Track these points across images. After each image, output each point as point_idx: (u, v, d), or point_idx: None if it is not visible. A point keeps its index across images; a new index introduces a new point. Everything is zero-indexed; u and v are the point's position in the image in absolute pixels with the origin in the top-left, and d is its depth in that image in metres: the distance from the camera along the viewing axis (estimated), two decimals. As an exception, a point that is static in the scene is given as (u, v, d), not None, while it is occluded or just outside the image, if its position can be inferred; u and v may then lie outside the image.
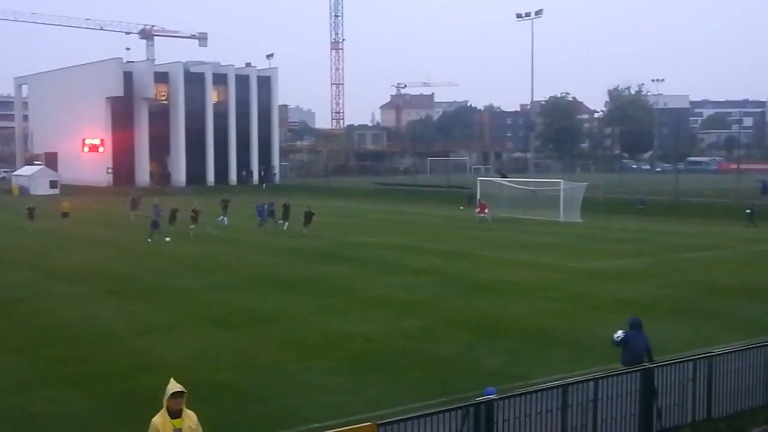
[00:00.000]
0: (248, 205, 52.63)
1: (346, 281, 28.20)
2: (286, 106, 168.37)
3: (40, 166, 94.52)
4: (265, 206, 48.04)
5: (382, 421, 9.92)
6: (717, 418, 13.23)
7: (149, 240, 39.81)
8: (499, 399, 10.84)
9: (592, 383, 11.85)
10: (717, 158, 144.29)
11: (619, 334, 14.27)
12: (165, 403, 9.18)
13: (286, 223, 44.79)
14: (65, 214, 48.52)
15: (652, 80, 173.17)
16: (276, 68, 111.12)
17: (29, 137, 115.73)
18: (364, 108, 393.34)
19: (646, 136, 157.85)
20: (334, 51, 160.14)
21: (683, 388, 12.80)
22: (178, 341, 19.45)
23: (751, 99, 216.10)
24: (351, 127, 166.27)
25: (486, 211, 52.15)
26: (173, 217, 43.29)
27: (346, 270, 30.70)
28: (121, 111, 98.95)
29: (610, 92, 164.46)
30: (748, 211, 48.28)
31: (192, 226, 42.42)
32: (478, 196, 55.33)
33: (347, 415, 13.32)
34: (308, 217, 43.05)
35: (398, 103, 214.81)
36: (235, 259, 34.19)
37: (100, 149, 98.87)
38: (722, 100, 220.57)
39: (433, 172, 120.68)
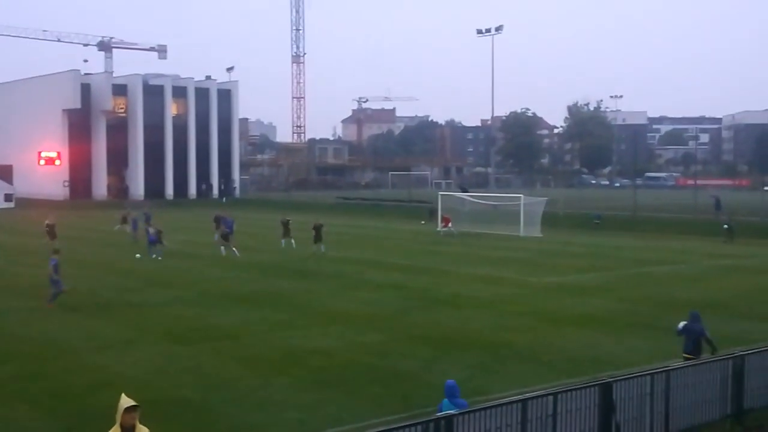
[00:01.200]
0: (206, 219, 52.12)
1: (306, 296, 28.06)
2: (247, 119, 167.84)
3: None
4: (223, 220, 44.88)
5: (342, 438, 9.83)
6: (675, 431, 13.32)
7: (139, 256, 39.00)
8: (458, 414, 10.82)
9: (551, 398, 11.87)
10: (674, 174, 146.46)
11: (681, 324, 15.94)
12: (118, 419, 9.03)
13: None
14: (50, 229, 43.67)
15: (611, 96, 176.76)
16: (236, 81, 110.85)
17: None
18: (325, 122, 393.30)
19: (605, 151, 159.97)
20: (295, 64, 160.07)
21: (641, 402, 12.88)
22: (135, 357, 19.17)
23: (707, 116, 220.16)
24: (312, 141, 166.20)
25: (450, 224, 52.30)
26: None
27: (306, 284, 30.55)
28: (79, 123, 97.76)
29: (569, 108, 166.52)
30: (725, 226, 48.64)
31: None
32: (440, 211, 55.48)
33: (307, 432, 13.21)
34: (318, 231, 40.72)
35: (360, 117, 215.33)
36: (193, 273, 33.86)
37: (57, 162, 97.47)
38: (679, 116, 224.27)
39: (395, 187, 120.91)
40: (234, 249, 39.39)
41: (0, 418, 14.59)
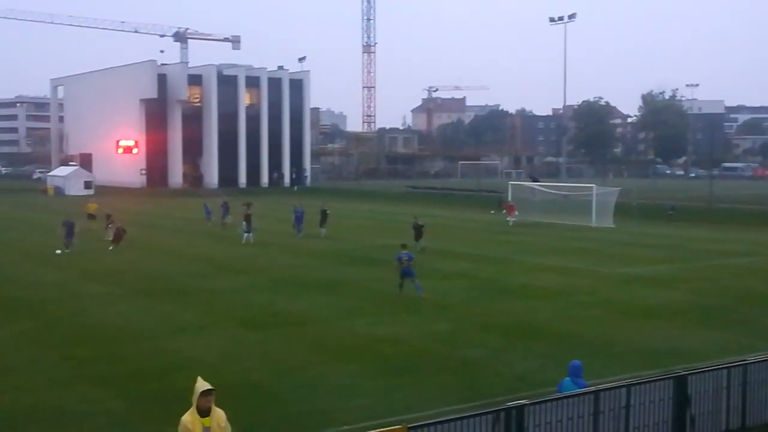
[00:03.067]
0: (279, 208, 52.67)
1: (375, 284, 28.17)
2: (318, 108, 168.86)
3: (75, 167, 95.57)
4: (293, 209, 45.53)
5: (413, 424, 9.86)
6: (751, 426, 13.02)
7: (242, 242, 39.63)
8: (531, 404, 10.75)
9: (624, 390, 11.70)
10: (752, 164, 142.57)
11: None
12: (195, 402, 9.21)
13: (324, 230, 43.22)
14: (91, 216, 48.49)
15: (687, 85, 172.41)
16: (308, 71, 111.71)
17: (64, 138, 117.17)
18: (395, 111, 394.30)
19: (680, 141, 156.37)
20: (365, 54, 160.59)
21: (717, 396, 12.61)
22: (208, 342, 19.53)
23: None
24: (382, 130, 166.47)
25: (515, 213, 51.81)
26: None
27: (376, 273, 30.65)
28: (155, 113, 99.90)
29: (643, 97, 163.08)
30: None
31: None
32: (510, 200, 55.01)
33: (376, 418, 13.28)
34: (324, 216, 42.69)
35: (430, 106, 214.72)
36: (265, 260, 34.28)
37: (134, 150, 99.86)
38: (758, 105, 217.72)
39: (464, 176, 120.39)
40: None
41: (79, 399, 15.03)
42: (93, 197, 76.74)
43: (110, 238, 38.12)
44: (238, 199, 56.73)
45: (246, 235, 39.76)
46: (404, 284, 25.10)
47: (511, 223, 50.56)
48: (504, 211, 52.68)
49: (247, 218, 40.25)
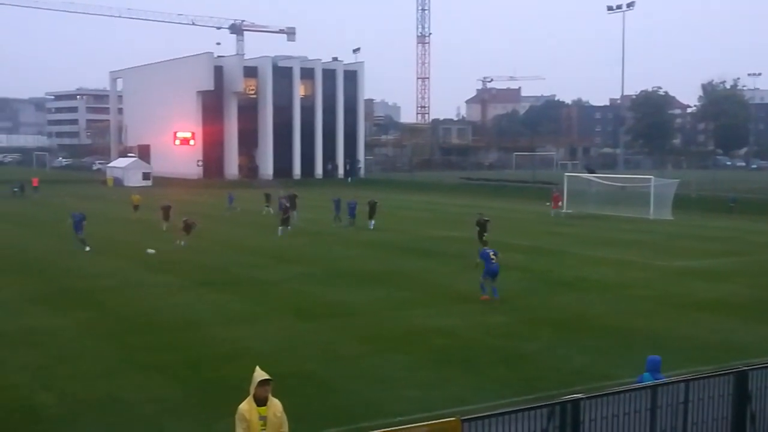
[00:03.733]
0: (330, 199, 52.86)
1: (428, 275, 28.10)
2: (372, 100, 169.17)
3: (134, 158, 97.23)
4: (345, 202, 45.95)
5: (466, 417, 9.77)
6: (814, 425, 12.64)
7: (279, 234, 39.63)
8: (586, 398, 10.58)
9: (683, 385, 11.45)
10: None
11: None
12: (252, 391, 9.26)
13: (372, 222, 43.21)
14: (136, 207, 49.55)
15: (749, 74, 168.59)
16: (362, 62, 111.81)
17: (123, 130, 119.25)
18: (449, 102, 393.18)
19: (742, 131, 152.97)
20: (420, 45, 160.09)
21: (779, 392, 12.26)
22: (262, 331, 19.68)
23: None
24: (436, 121, 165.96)
25: (560, 204, 51.05)
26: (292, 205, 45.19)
27: (429, 264, 30.59)
28: (212, 105, 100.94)
29: (704, 86, 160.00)
30: None
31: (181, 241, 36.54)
32: (565, 192, 54.32)
33: (428, 410, 13.22)
34: (372, 207, 42.72)
35: (484, 97, 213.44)
36: (317, 251, 34.43)
37: (191, 142, 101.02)
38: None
39: (519, 168, 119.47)
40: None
41: (134, 387, 15.24)
42: (152, 188, 78.11)
43: (167, 228, 38.60)
44: (291, 190, 57.11)
45: (281, 228, 39.68)
46: (486, 285, 23.16)
47: (553, 215, 49.72)
48: (548, 203, 51.78)
49: (285, 210, 40.93)
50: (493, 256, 23.12)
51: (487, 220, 34.89)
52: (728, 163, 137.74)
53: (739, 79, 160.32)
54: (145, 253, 32.84)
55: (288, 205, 43.12)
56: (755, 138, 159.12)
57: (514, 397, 14.04)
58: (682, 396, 11.33)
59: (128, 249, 34.95)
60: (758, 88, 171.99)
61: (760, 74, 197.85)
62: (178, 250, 34.27)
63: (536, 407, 10.28)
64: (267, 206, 52.30)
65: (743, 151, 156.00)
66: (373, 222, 42.97)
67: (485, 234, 34.32)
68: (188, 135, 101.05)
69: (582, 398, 10.56)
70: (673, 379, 11.72)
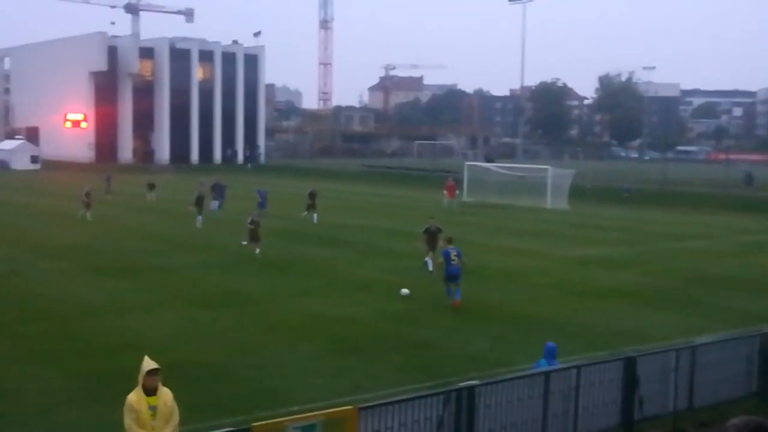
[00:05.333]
0: (233, 186, 52.21)
1: (330, 263, 28.08)
2: (273, 85, 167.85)
3: (21, 141, 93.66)
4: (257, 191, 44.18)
5: (364, 405, 9.81)
6: (698, 407, 13.20)
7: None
8: (482, 385, 10.76)
9: (574, 371, 11.78)
10: (706, 148, 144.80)
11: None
12: (141, 381, 9.11)
13: (315, 215, 40.12)
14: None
15: (644, 68, 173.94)
16: (263, 46, 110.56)
17: (10, 111, 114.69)
18: (351, 89, 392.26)
19: (636, 124, 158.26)
20: (322, 30, 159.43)
21: (665, 377, 12.76)
22: (159, 320, 19.29)
23: (741, 89, 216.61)
24: (338, 108, 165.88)
25: (455, 193, 50.40)
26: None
27: (331, 252, 30.56)
28: (105, 86, 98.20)
29: (600, 79, 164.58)
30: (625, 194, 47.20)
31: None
32: (465, 182, 54.99)
33: (328, 398, 13.20)
34: (312, 199, 40.31)
35: (387, 84, 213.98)
36: (218, 239, 33.96)
37: (83, 125, 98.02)
38: (713, 89, 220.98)
39: (421, 156, 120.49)
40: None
41: (28, 377, 14.74)
42: (40, 172, 75.45)
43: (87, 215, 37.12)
44: (191, 176, 56.17)
45: (199, 218, 37.68)
46: (451, 287, 21.39)
47: (446, 204, 49.33)
48: (445, 191, 51.11)
49: (199, 201, 38.48)
50: (454, 257, 21.31)
51: (439, 230, 27.08)
52: (623, 154, 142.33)
53: (634, 72, 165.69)
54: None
55: (202, 195, 39.64)
56: (649, 130, 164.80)
57: (412, 383, 14.15)
58: (573, 381, 11.65)
59: (18, 234, 33.71)
60: (652, 82, 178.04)
61: (654, 68, 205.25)
62: (73, 236, 33.24)
63: (432, 394, 10.42)
64: (151, 192, 50.28)
65: (637, 142, 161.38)
66: (315, 215, 39.98)
67: (436, 247, 26.27)
68: (80, 117, 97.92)
69: (477, 385, 10.75)
70: (565, 365, 12.04)
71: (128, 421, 9.02)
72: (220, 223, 38.53)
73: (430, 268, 23.80)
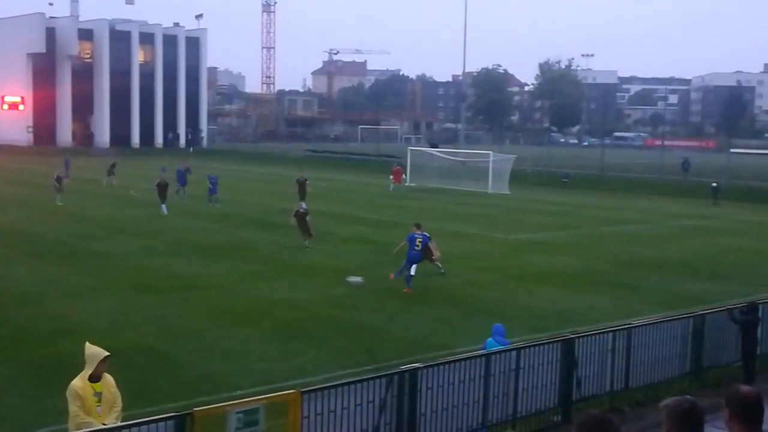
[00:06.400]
0: (173, 169, 51.58)
1: (273, 248, 28.02)
2: (216, 68, 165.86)
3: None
4: (183, 171, 44.56)
5: (306, 389, 9.89)
6: (634, 387, 13.56)
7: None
8: (424, 367, 10.92)
9: (514, 353, 12.02)
10: (642, 134, 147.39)
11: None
12: (92, 368, 8.99)
13: (303, 204, 35.72)
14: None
15: (582, 55, 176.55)
16: (205, 29, 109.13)
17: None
18: (295, 73, 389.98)
19: (575, 110, 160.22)
20: (265, 14, 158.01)
21: (602, 358, 13.08)
22: (100, 306, 19.08)
23: (677, 77, 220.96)
24: (282, 92, 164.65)
25: (401, 178, 51.39)
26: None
27: (274, 237, 30.48)
28: (43, 68, 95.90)
29: (540, 66, 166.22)
30: (714, 184, 48.39)
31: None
32: (408, 167, 55.18)
33: (272, 382, 13.27)
34: (302, 187, 38.91)
35: (330, 69, 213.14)
36: (160, 223, 33.62)
37: (21, 107, 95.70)
38: (649, 77, 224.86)
39: (364, 141, 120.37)
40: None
41: (-38, 364, 14.49)
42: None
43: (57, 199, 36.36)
44: (130, 160, 55.38)
45: (163, 206, 36.07)
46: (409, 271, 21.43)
47: (392, 189, 50.12)
48: (391, 176, 51.94)
49: (161, 188, 36.68)
50: (419, 243, 21.59)
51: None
52: (562, 140, 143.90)
53: (573, 59, 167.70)
54: None
55: (165, 183, 37.57)
56: (587, 116, 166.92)
57: (355, 367, 14.29)
58: (513, 363, 11.89)
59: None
60: (591, 69, 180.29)
61: (593, 55, 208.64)
62: (8, 221, 32.59)
63: (375, 377, 10.55)
64: (110, 177, 49.57)
65: (576, 128, 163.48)
66: (303, 204, 35.53)
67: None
68: (17, 99, 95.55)
69: (419, 367, 10.90)
70: (505, 347, 12.28)
71: (74, 408, 8.92)
72: (149, 206, 37.89)
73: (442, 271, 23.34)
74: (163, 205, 36.23)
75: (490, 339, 12.66)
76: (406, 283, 21.43)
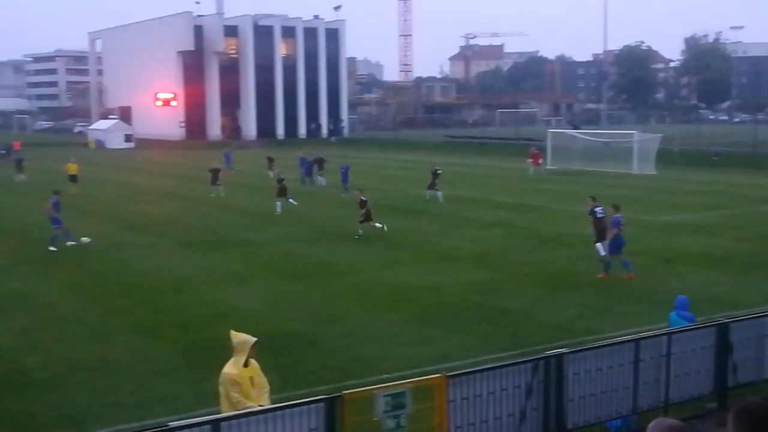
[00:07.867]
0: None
1: (414, 234, 28.20)
2: (354, 58, 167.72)
3: (115, 120, 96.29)
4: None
5: (452, 373, 9.90)
6: (794, 374, 12.88)
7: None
8: (570, 353, 10.74)
9: (665, 338, 11.63)
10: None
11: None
12: (245, 353, 9.26)
13: (440, 194, 36.80)
14: (73, 178, 41.98)
15: (731, 28, 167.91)
16: (344, 20, 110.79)
17: (104, 91, 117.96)
18: (432, 60, 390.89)
19: (724, 85, 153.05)
20: (402, 2, 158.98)
21: (760, 343, 12.48)
22: (249, 292, 19.76)
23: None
24: (419, 79, 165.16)
25: (540, 162, 50.50)
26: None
27: (415, 223, 30.67)
28: (192, 65, 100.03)
29: (686, 41, 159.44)
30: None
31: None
32: (549, 150, 54.25)
33: (416, 367, 13.38)
34: (435, 176, 37.52)
35: (467, 54, 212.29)
36: (304, 212, 34.41)
37: (173, 103, 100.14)
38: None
39: (503, 125, 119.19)
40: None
41: (125, 348, 15.34)
42: (134, 150, 77.48)
43: (215, 194, 38.25)
44: (276, 151, 56.83)
45: (278, 203, 34.03)
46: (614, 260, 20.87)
47: (532, 173, 49.13)
48: (530, 160, 50.88)
49: (282, 188, 34.66)
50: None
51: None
52: (711, 117, 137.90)
53: (721, 32, 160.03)
54: (80, 242, 26.46)
55: (282, 177, 35.94)
56: (737, 91, 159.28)
57: (499, 352, 14.20)
58: (664, 349, 11.50)
59: (113, 211, 34.83)
60: (741, 42, 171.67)
61: (742, 27, 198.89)
62: (164, 212, 34.18)
63: (521, 362, 10.44)
64: (271, 170, 47.46)
65: (726, 104, 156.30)
66: (439, 192, 36.92)
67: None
68: (170, 96, 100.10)
69: (565, 353, 10.71)
70: (655, 332, 11.90)
71: (236, 395, 9.15)
72: (299, 196, 38.87)
73: (602, 253, 21.79)
74: (278, 203, 33.99)
75: (673, 314, 12.41)
76: (626, 270, 20.65)
